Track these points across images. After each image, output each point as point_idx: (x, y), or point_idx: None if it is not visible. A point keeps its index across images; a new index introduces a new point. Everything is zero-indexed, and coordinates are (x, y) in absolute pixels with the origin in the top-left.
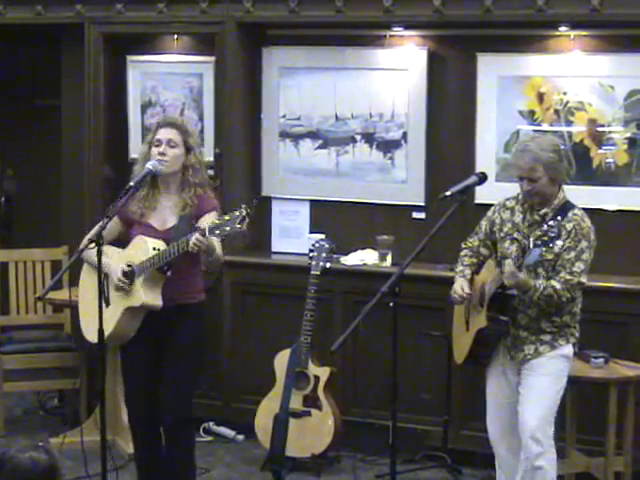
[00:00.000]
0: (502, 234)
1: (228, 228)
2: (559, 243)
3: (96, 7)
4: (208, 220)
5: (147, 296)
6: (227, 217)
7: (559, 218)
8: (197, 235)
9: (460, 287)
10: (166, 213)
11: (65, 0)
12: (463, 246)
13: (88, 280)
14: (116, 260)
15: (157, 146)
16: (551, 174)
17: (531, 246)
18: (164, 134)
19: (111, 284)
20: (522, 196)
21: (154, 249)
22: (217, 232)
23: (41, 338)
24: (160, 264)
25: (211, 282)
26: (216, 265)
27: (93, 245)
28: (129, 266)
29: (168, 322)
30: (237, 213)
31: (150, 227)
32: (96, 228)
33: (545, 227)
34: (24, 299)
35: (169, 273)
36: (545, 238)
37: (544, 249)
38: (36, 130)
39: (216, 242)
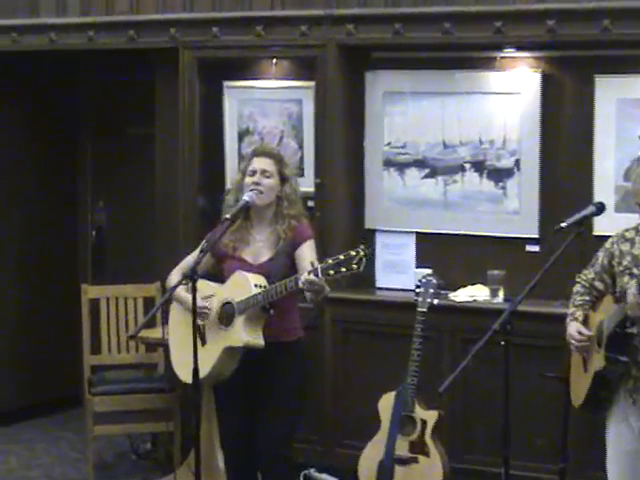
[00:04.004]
0: (621, 267)
1: (344, 269)
2: None
3: (191, 31)
4: (307, 252)
5: (249, 336)
6: (342, 257)
7: None
8: (308, 276)
9: (576, 331)
10: (259, 247)
11: (159, 24)
12: (577, 280)
13: (179, 317)
14: (211, 295)
15: (251, 176)
16: None
17: None
18: (259, 164)
19: (207, 322)
20: None
21: (256, 286)
22: (331, 272)
23: (133, 379)
24: (264, 303)
25: (312, 318)
26: (321, 302)
27: (187, 281)
28: (227, 303)
29: (265, 361)
30: (353, 253)
31: (243, 261)
32: (186, 262)
33: None
34: (116, 337)
35: (272, 312)
36: None
37: None
38: (129, 160)
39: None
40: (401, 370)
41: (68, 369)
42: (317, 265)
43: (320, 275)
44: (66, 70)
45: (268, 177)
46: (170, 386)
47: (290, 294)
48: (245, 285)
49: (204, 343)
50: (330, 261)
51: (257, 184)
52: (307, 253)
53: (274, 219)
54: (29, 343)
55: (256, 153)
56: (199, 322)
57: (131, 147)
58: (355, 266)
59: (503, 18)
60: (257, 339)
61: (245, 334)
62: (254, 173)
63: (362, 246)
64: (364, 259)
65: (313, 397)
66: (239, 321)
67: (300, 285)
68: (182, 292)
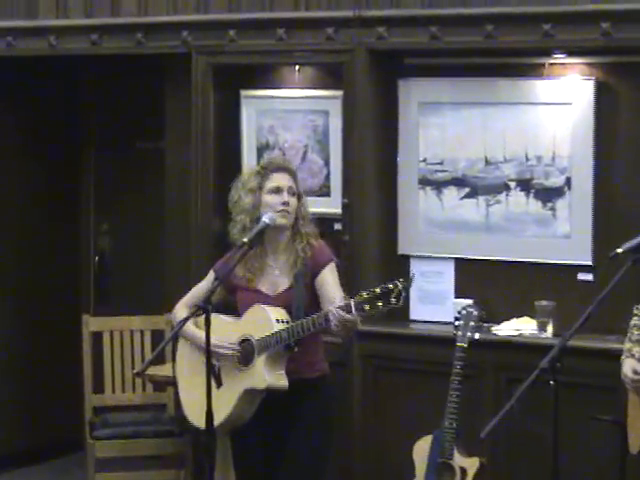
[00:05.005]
0: None
1: (380, 304)
2: None
3: (205, 34)
4: (329, 278)
5: (271, 377)
6: (378, 290)
7: None
8: (340, 312)
9: (632, 370)
10: (275, 275)
11: (169, 27)
12: (634, 312)
13: (188, 355)
14: (226, 332)
15: (275, 193)
16: None
17: None
18: (282, 180)
19: (223, 361)
20: None
21: (278, 321)
22: (367, 308)
23: (140, 421)
24: (289, 341)
25: (341, 354)
26: (351, 336)
27: (201, 313)
28: (246, 340)
29: (288, 400)
30: (391, 286)
31: (260, 293)
32: (192, 295)
33: None
34: (120, 375)
35: (296, 349)
36: None
37: None
38: (135, 177)
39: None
40: (438, 412)
41: (67, 410)
42: (350, 300)
43: (354, 311)
44: (67, 77)
45: (293, 195)
46: (180, 430)
47: (319, 331)
48: (265, 321)
49: (219, 385)
50: (365, 295)
51: (287, 204)
52: (330, 280)
53: (290, 241)
54: (24, 381)
55: (275, 168)
56: (214, 362)
57: (138, 163)
58: (394, 300)
59: (552, 20)
60: (280, 380)
61: (268, 375)
62: (279, 191)
63: (401, 279)
64: (403, 292)
65: (340, 442)
66: (260, 361)
67: (333, 324)
68: (191, 327)
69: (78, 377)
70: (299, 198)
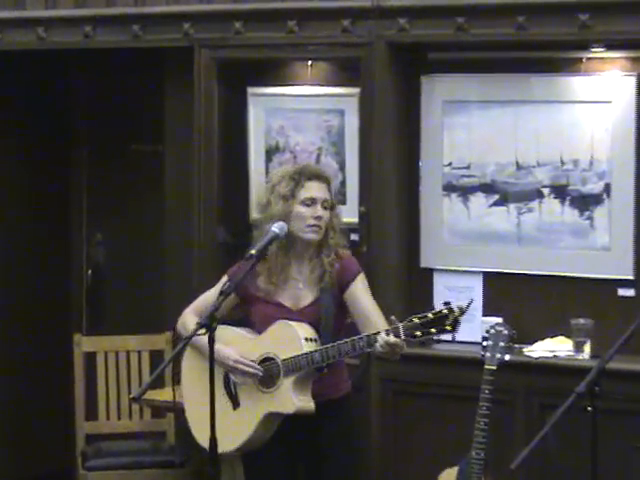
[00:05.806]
0: None
1: (434, 330)
2: None
3: (209, 26)
4: (362, 293)
5: (300, 400)
6: (431, 315)
7: None
8: (389, 337)
9: None
10: (298, 288)
11: (169, 18)
12: None
13: (199, 367)
14: (245, 347)
15: (309, 205)
16: None
17: None
18: (318, 191)
19: (240, 380)
20: None
21: (307, 340)
22: (418, 334)
23: (137, 450)
24: (321, 364)
25: (358, 376)
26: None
27: (204, 331)
28: (268, 359)
29: (310, 421)
30: (445, 311)
31: (281, 307)
32: (205, 300)
33: None
34: (115, 400)
35: (326, 370)
36: None
37: None
38: (132, 183)
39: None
40: (465, 441)
41: (57, 438)
42: (399, 324)
43: (402, 336)
44: (56, 73)
45: (326, 208)
46: (181, 459)
47: (358, 354)
48: (293, 339)
49: (236, 406)
50: (416, 320)
51: (319, 218)
52: (364, 294)
53: (316, 252)
54: (10, 406)
55: (310, 175)
56: (234, 380)
57: (135, 167)
58: (449, 327)
59: (590, 10)
60: (308, 403)
61: (296, 398)
62: (313, 203)
63: (457, 305)
64: (459, 319)
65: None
66: (287, 383)
67: (378, 349)
68: (205, 338)
69: (69, 402)
70: (332, 208)
